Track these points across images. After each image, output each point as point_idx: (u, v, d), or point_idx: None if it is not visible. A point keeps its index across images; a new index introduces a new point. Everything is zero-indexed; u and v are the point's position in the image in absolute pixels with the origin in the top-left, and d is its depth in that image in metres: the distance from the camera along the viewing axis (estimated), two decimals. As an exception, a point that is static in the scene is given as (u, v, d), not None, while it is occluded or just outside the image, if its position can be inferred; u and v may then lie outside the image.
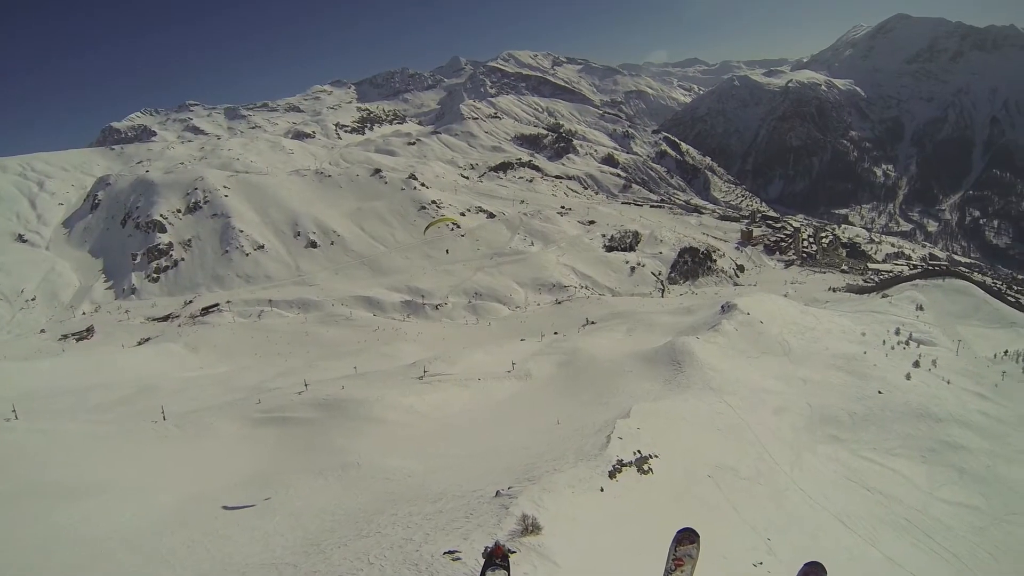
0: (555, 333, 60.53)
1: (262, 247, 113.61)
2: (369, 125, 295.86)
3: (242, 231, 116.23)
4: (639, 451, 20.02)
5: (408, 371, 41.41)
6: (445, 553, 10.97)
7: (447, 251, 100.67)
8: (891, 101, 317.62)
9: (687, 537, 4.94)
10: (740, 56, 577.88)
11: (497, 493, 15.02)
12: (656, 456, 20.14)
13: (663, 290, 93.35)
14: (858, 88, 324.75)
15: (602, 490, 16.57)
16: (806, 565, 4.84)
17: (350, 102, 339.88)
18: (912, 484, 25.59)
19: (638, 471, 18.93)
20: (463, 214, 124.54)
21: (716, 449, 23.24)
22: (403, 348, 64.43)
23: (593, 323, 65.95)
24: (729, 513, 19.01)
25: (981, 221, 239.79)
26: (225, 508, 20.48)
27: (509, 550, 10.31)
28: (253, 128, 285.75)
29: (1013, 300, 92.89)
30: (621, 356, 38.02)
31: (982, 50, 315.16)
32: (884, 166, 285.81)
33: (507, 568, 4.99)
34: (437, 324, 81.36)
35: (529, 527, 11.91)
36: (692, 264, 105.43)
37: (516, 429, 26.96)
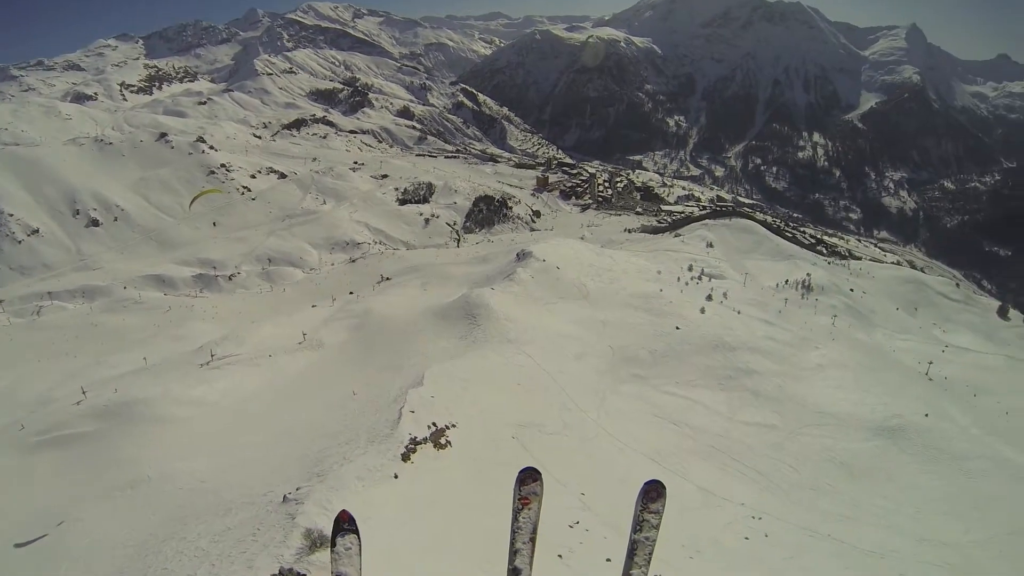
0: (350, 293, 57.95)
1: (37, 231, 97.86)
2: (158, 84, 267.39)
3: (12, 215, 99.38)
4: (434, 423, 18.47)
5: (195, 357, 37.01)
6: (227, 592, 9.17)
7: (214, 223, 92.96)
8: (685, 60, 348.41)
9: (529, 476, 4.80)
10: (544, 11, 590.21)
11: (284, 498, 13.29)
12: (454, 425, 18.71)
13: (458, 240, 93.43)
14: (655, 46, 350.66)
15: (396, 477, 14.90)
16: (646, 484, 4.81)
17: (137, 58, 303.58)
18: (714, 412, 26.46)
19: (434, 447, 17.42)
20: (254, 176, 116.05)
21: (519, 406, 22.23)
22: (197, 328, 58.38)
23: (388, 279, 63.90)
24: (539, 475, 17.92)
25: (762, 168, 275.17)
26: (17, 546, 18.01)
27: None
28: (26, 91, 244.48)
29: (790, 236, 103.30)
30: (415, 314, 36.23)
31: (770, 22, 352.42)
32: (676, 117, 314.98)
33: (356, 531, 4.69)
34: (231, 296, 75.36)
35: (316, 542, 10.46)
36: (487, 212, 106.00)
37: (311, 406, 24.70)
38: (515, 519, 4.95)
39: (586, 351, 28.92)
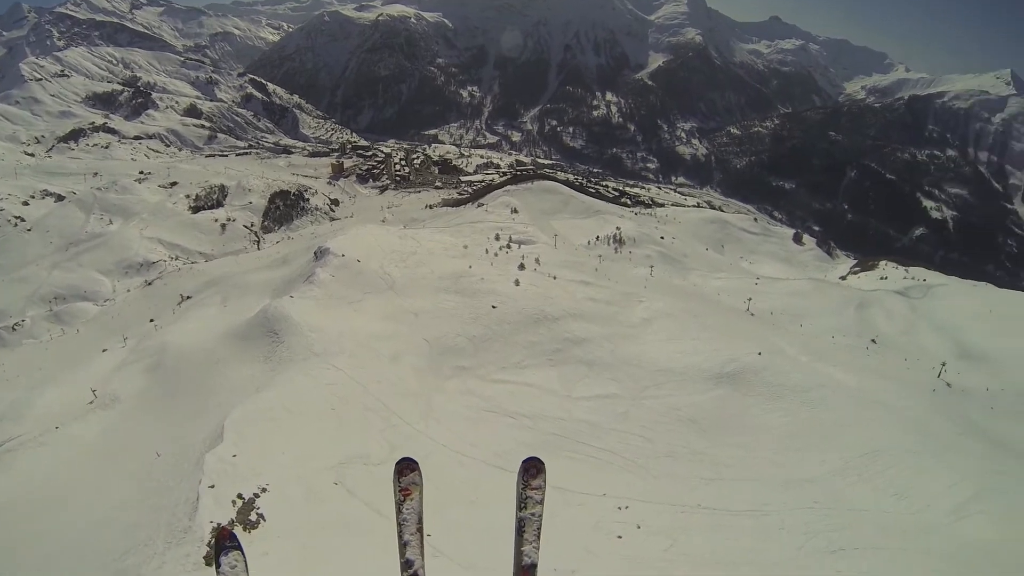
0: (151, 321, 51.49)
1: None
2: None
3: None
4: (240, 495, 15.32)
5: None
6: None
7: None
8: (477, 31, 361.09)
9: (407, 467, 4.20)
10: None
11: None
12: (265, 490, 15.60)
13: (258, 242, 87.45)
14: (446, 20, 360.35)
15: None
16: (525, 462, 4.36)
17: None
18: (549, 392, 24.77)
19: (244, 529, 14.55)
20: (27, 203, 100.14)
21: (337, 437, 19.06)
22: (-17, 398, 48.86)
23: (189, 298, 57.92)
24: (373, 526, 15.12)
25: (558, 128, 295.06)
26: None
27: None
28: None
29: (594, 191, 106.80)
30: (216, 339, 31.53)
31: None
32: (470, 88, 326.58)
33: (239, 548, 4.23)
34: (17, 351, 64.84)
35: None
36: (284, 208, 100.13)
37: (112, 485, 20.36)
38: (399, 511, 4.52)
39: (401, 350, 26.11)
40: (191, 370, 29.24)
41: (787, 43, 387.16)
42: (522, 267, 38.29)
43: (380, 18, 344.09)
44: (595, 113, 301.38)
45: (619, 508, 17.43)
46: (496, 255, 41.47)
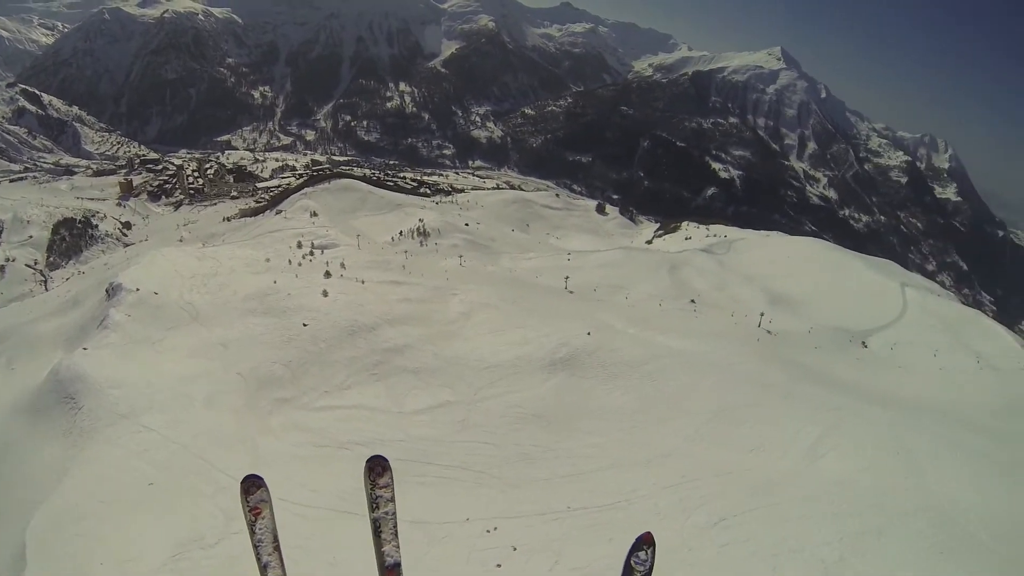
0: None
1: None
2: None
3: None
4: None
5: None
6: None
7: None
8: (267, 27, 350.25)
9: (253, 484, 4.87)
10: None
11: None
12: None
13: (45, 282, 76.47)
14: (236, 16, 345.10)
15: None
16: (369, 461, 4.96)
17: None
18: (379, 411, 22.67)
19: None
20: None
21: (164, 520, 15.37)
22: None
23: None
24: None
25: (352, 124, 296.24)
26: None
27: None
28: None
29: (392, 184, 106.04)
30: (3, 419, 25.00)
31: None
32: (261, 88, 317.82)
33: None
34: None
35: None
36: (71, 239, 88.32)
37: None
38: (252, 532, 4.85)
39: (215, 391, 22.51)
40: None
41: (578, 27, 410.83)
42: (328, 274, 35.74)
43: (166, 15, 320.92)
44: (389, 104, 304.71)
45: (487, 531, 15.78)
46: (300, 264, 38.52)
